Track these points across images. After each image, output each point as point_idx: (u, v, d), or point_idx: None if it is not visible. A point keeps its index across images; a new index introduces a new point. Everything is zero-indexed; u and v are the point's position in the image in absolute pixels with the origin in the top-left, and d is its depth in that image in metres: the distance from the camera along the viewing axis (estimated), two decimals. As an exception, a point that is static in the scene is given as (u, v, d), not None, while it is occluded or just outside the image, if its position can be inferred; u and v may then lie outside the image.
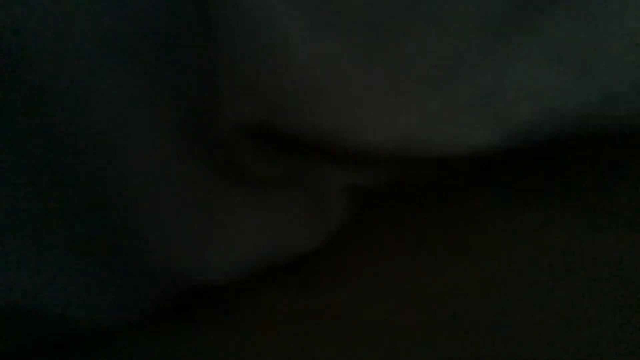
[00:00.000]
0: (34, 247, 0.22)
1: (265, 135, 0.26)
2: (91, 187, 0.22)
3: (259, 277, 0.26)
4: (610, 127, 0.30)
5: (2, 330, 0.22)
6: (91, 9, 0.21)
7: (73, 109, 0.21)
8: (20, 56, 0.20)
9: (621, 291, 0.26)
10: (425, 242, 0.30)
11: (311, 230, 0.27)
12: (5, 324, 0.22)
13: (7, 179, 0.21)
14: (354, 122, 0.26)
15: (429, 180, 0.31)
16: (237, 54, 0.23)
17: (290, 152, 0.27)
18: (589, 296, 0.26)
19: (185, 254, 0.24)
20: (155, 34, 0.22)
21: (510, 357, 0.24)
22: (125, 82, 0.22)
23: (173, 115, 0.24)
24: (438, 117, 0.28)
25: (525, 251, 0.29)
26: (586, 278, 0.27)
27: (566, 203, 0.31)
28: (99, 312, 0.23)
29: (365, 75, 0.26)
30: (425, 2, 0.28)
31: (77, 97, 0.21)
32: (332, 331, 0.25)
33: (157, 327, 0.25)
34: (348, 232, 0.29)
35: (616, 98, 0.29)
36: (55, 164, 0.21)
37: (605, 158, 0.34)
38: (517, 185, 0.32)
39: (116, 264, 0.23)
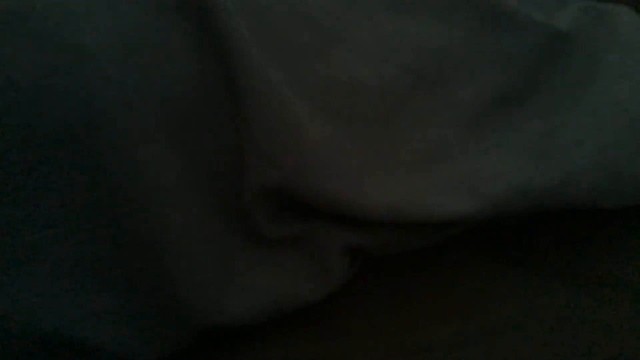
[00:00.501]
0: (81, 284, 0.25)
1: (278, 202, 0.30)
2: (134, 237, 0.26)
3: (269, 324, 0.30)
4: (574, 202, 0.35)
5: (44, 354, 0.24)
6: (147, 88, 0.25)
7: (127, 171, 0.25)
8: (95, 120, 0.24)
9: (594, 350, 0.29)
10: (412, 303, 0.33)
11: (314, 284, 0.31)
12: (48, 349, 0.24)
13: (69, 225, 0.25)
14: (351, 191, 0.31)
15: (419, 245, 0.35)
16: (258, 131, 0.28)
17: (298, 216, 0.31)
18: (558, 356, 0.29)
19: (206, 298, 0.28)
20: (193, 114, 0.27)
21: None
22: (167, 152, 0.26)
23: (203, 183, 0.28)
24: (422, 191, 0.33)
25: (500, 313, 0.32)
26: (557, 338, 0.30)
27: (541, 269, 0.35)
28: (130, 347, 0.26)
29: (361, 154, 0.32)
30: (408, 102, 0.35)
31: (131, 160, 0.25)
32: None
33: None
34: (352, 291, 0.33)
35: (575, 178, 0.34)
36: (109, 216, 0.25)
37: (581, 229, 0.38)
38: (497, 254, 0.36)
39: (147, 304, 0.26)
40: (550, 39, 0.39)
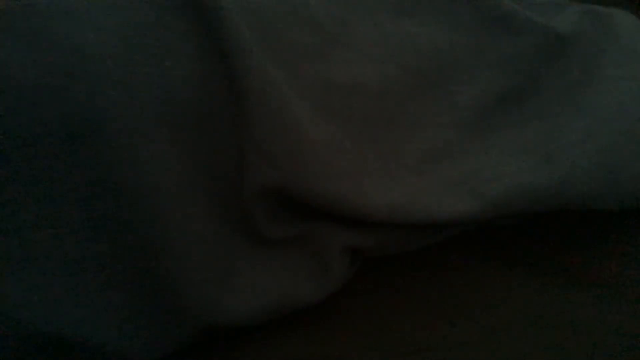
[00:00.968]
0: (82, 284, 0.25)
1: (278, 202, 0.30)
2: (135, 237, 0.26)
3: (270, 325, 0.30)
4: (573, 203, 0.35)
5: (44, 354, 0.24)
6: (148, 87, 0.26)
7: (128, 170, 0.25)
8: (96, 119, 0.24)
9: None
10: (419, 302, 0.33)
11: (315, 284, 0.31)
12: (48, 349, 0.24)
13: (69, 225, 0.25)
14: (352, 191, 0.31)
15: (419, 245, 0.35)
16: (259, 131, 0.28)
17: (298, 216, 0.31)
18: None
19: (206, 297, 0.28)
20: (194, 114, 0.27)
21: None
22: (167, 152, 0.26)
23: (204, 182, 0.28)
24: (422, 191, 0.33)
25: (500, 313, 0.32)
26: (557, 338, 0.30)
27: (541, 269, 0.35)
28: (131, 346, 0.26)
29: (361, 154, 0.32)
30: (408, 102, 0.35)
31: (132, 159, 0.25)
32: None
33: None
34: (352, 291, 0.33)
35: (574, 180, 0.35)
36: (109, 216, 0.25)
37: (585, 231, 0.38)
38: (497, 254, 0.36)
39: (147, 304, 0.26)
40: (550, 41, 0.39)
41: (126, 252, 0.26)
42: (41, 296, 0.24)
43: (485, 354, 0.29)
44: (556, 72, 0.39)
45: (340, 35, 0.34)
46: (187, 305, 0.27)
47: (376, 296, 0.33)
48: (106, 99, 0.25)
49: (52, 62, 0.24)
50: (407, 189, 0.33)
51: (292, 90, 0.30)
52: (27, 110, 0.23)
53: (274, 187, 0.29)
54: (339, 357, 0.29)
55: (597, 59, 0.40)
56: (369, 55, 0.34)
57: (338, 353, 0.29)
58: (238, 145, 0.28)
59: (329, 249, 0.31)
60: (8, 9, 0.24)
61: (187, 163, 0.27)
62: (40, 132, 0.24)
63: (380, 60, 0.34)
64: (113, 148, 0.25)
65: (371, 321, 0.31)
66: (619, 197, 0.36)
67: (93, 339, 0.25)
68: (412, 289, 0.34)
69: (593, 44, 0.41)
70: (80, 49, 0.24)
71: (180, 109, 0.27)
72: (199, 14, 0.27)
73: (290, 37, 0.31)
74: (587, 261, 0.36)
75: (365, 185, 0.31)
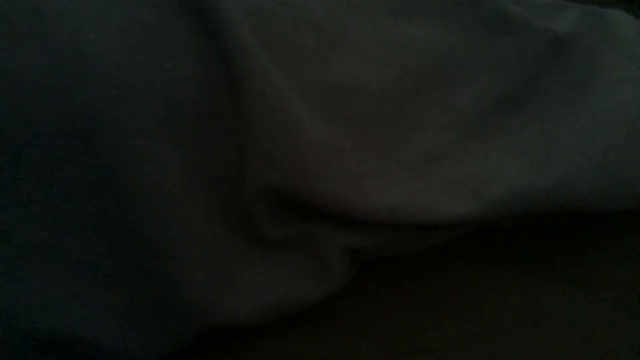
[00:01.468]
0: (82, 284, 0.25)
1: (279, 202, 0.30)
2: (135, 237, 0.26)
3: (270, 325, 0.30)
4: (572, 205, 0.35)
5: (45, 354, 0.25)
6: (149, 88, 0.26)
7: (129, 170, 0.25)
8: (97, 120, 0.24)
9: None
10: (419, 302, 0.33)
11: (315, 284, 0.31)
12: (48, 349, 0.25)
13: (70, 225, 0.25)
14: (351, 191, 0.31)
15: (419, 246, 0.35)
16: (259, 132, 0.28)
17: (299, 217, 0.32)
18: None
19: (206, 298, 0.28)
20: (195, 114, 0.27)
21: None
22: (168, 152, 0.27)
23: (204, 182, 0.28)
24: (422, 192, 0.33)
25: (500, 313, 0.32)
26: (557, 338, 0.30)
27: (541, 270, 0.35)
28: (130, 346, 0.26)
29: (361, 155, 0.32)
30: (408, 104, 0.35)
31: (133, 159, 0.25)
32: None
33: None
34: (352, 291, 0.33)
35: (573, 181, 0.35)
36: (110, 216, 0.25)
37: (585, 231, 0.38)
38: (497, 254, 0.37)
39: (148, 304, 0.26)
40: (549, 42, 0.39)
41: (126, 252, 0.26)
42: (41, 296, 0.24)
43: (485, 354, 0.30)
44: (556, 74, 0.39)
45: (340, 37, 0.34)
46: (187, 306, 0.27)
47: (376, 296, 0.33)
48: (107, 99, 0.25)
49: (53, 62, 0.24)
50: (407, 189, 0.33)
51: (292, 91, 0.30)
52: (28, 111, 0.23)
53: (274, 188, 0.29)
54: (339, 357, 0.29)
55: (596, 60, 0.40)
56: (369, 56, 0.34)
57: (338, 353, 0.29)
58: (238, 145, 0.28)
59: (329, 250, 0.32)
60: (11, 9, 0.24)
61: (188, 163, 0.27)
62: (41, 132, 0.24)
63: (380, 62, 0.34)
64: (114, 148, 0.25)
65: (371, 321, 0.32)
66: (619, 198, 0.36)
67: (93, 339, 0.25)
68: (412, 289, 0.34)
69: (593, 45, 0.41)
70: (81, 49, 0.25)
71: (181, 110, 0.27)
72: (199, 15, 0.27)
73: (290, 38, 0.31)
74: (587, 262, 0.36)
75: (365, 186, 0.31)
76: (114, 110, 0.25)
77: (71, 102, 0.24)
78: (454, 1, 0.39)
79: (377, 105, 0.34)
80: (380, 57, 0.35)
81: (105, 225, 0.25)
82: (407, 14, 0.38)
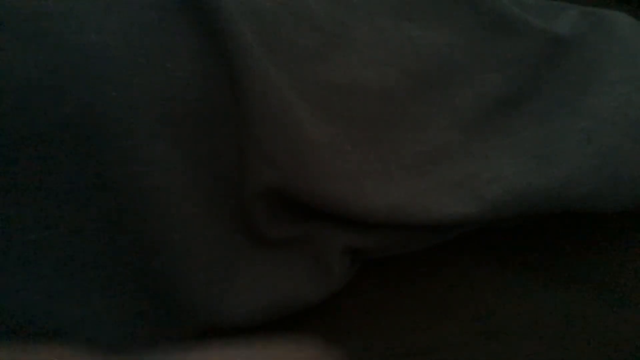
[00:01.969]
0: (82, 284, 0.25)
1: (279, 202, 0.30)
2: (136, 237, 0.26)
3: (270, 325, 0.30)
4: (573, 205, 0.35)
5: None
6: (149, 88, 0.26)
7: (129, 170, 0.25)
8: (98, 120, 0.24)
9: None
10: (418, 302, 0.33)
11: (315, 284, 0.31)
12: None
13: (70, 225, 0.25)
14: (351, 192, 0.31)
15: (419, 247, 0.35)
16: (259, 132, 0.28)
17: (299, 217, 0.32)
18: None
19: (207, 298, 0.28)
20: (196, 115, 0.27)
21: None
22: (169, 152, 0.27)
23: (205, 183, 0.28)
24: (422, 193, 0.33)
25: (500, 314, 0.32)
26: (557, 339, 0.30)
27: (541, 270, 0.35)
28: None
29: (361, 155, 0.32)
30: (408, 104, 0.35)
31: (134, 160, 0.25)
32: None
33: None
34: (352, 291, 0.33)
35: (573, 182, 0.35)
36: (111, 216, 0.25)
37: (585, 231, 0.38)
38: (497, 255, 0.36)
39: (148, 304, 0.26)
40: (549, 43, 0.39)
41: (127, 252, 0.26)
42: (41, 296, 0.24)
43: (485, 354, 0.30)
44: (556, 75, 0.39)
45: (340, 37, 0.34)
46: (188, 306, 0.27)
47: (376, 296, 0.33)
48: (107, 99, 0.25)
49: (54, 62, 0.24)
50: (407, 190, 0.33)
51: (292, 91, 0.30)
52: (29, 111, 0.23)
53: (275, 188, 0.29)
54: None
55: (596, 61, 0.40)
56: (370, 57, 0.34)
57: (338, 353, 0.29)
58: (239, 145, 0.28)
59: (329, 250, 0.32)
60: (12, 9, 0.24)
61: (188, 163, 0.28)
62: (42, 132, 0.24)
63: (380, 63, 0.35)
64: (114, 148, 0.25)
65: (371, 321, 0.32)
66: (619, 199, 0.36)
67: (92, 339, 0.25)
68: (412, 289, 0.34)
69: (592, 46, 0.41)
70: (82, 50, 0.25)
71: (181, 110, 0.27)
72: (200, 15, 0.27)
73: (290, 39, 0.31)
74: (587, 262, 0.36)
75: (365, 186, 0.32)
76: (114, 110, 0.25)
77: (72, 102, 0.24)
78: (454, 2, 0.39)
79: (377, 106, 0.34)
80: (380, 57, 0.35)
81: (106, 225, 0.25)
82: (407, 14, 0.38)
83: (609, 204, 0.36)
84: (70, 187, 0.25)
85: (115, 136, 0.25)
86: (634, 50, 0.41)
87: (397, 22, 0.37)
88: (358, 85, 0.33)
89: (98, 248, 0.25)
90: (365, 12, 0.36)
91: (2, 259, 0.23)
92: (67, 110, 0.24)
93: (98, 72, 0.25)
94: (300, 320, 0.30)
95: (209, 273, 0.28)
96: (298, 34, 0.32)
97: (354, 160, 0.32)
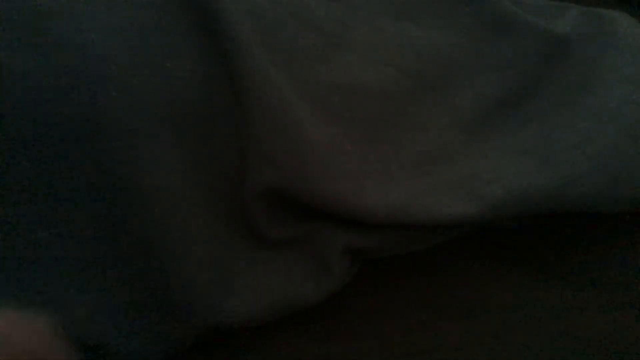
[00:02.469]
0: (82, 284, 0.25)
1: (279, 202, 0.30)
2: (136, 237, 0.26)
3: (270, 325, 0.30)
4: (572, 206, 0.35)
5: None
6: (149, 88, 0.26)
7: (130, 171, 0.25)
8: (98, 120, 0.24)
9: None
10: (419, 302, 0.33)
11: (315, 284, 0.31)
12: None
13: (71, 225, 0.25)
14: (351, 192, 0.31)
15: (419, 247, 0.35)
16: (260, 132, 0.28)
17: (299, 217, 0.32)
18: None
19: (207, 298, 0.28)
20: (196, 115, 0.27)
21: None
22: (169, 153, 0.27)
23: (205, 183, 0.28)
24: (422, 193, 0.33)
25: (500, 313, 0.32)
26: (557, 338, 0.30)
27: (541, 270, 0.35)
28: (132, 346, 0.26)
29: (361, 155, 0.32)
30: (408, 104, 0.35)
31: (134, 160, 0.25)
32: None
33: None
34: (352, 291, 0.33)
35: (573, 182, 0.35)
36: (111, 216, 0.25)
37: (585, 232, 0.38)
38: (497, 254, 0.36)
39: (148, 303, 0.26)
40: (549, 44, 0.40)
41: (127, 252, 0.26)
42: (41, 296, 0.24)
43: (485, 354, 0.29)
44: (556, 75, 0.39)
45: (340, 38, 0.34)
46: (188, 306, 0.27)
47: (376, 296, 0.33)
48: (108, 100, 0.25)
49: (54, 63, 0.24)
50: (407, 190, 0.33)
51: (292, 91, 0.30)
52: (29, 111, 0.23)
53: (275, 188, 0.29)
54: (338, 357, 0.29)
55: (596, 61, 0.41)
56: (370, 57, 0.34)
57: (338, 353, 0.29)
58: (239, 146, 0.28)
59: (329, 250, 0.32)
60: (12, 9, 0.24)
61: (188, 164, 0.28)
62: (43, 132, 0.24)
63: (380, 63, 0.35)
64: (115, 149, 0.25)
65: (371, 321, 0.31)
66: (619, 199, 0.36)
67: (92, 339, 0.25)
68: (412, 289, 0.34)
69: (592, 47, 0.41)
70: (82, 50, 0.25)
71: (182, 110, 0.27)
72: (200, 15, 0.27)
73: (290, 39, 0.31)
74: (587, 262, 0.36)
75: (365, 186, 0.32)
76: (114, 110, 0.25)
77: (72, 102, 0.24)
78: (455, 2, 0.39)
79: (377, 106, 0.34)
80: (380, 57, 0.35)
81: (106, 225, 0.25)
82: (407, 14, 0.38)
83: (609, 204, 0.36)
84: (71, 187, 0.24)
85: (115, 136, 0.25)
86: (633, 50, 0.41)
87: (397, 22, 0.37)
88: (358, 85, 0.33)
89: (98, 248, 0.25)
90: (365, 12, 0.36)
91: (2, 259, 0.23)
92: (67, 110, 0.24)
93: (98, 72, 0.25)
94: (300, 320, 0.30)
95: (209, 273, 0.28)
96: (298, 34, 0.32)
97: (354, 160, 0.32)
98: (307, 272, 0.31)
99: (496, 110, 0.38)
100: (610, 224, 0.38)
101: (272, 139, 0.28)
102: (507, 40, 0.39)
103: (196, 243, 0.28)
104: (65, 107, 0.24)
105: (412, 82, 0.36)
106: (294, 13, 0.32)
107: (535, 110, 0.39)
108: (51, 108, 0.24)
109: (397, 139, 0.34)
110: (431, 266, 0.35)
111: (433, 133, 0.36)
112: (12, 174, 0.23)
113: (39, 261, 0.24)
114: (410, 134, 0.35)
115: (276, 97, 0.28)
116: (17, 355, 0.23)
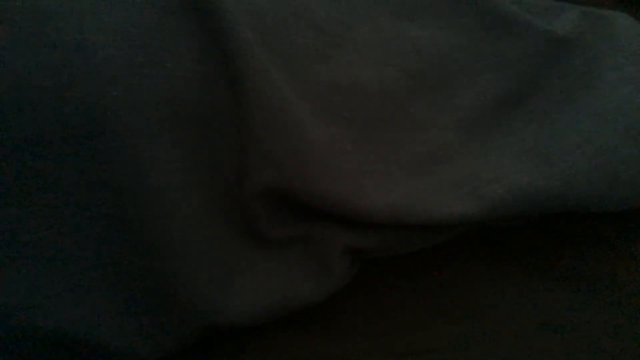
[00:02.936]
0: (83, 284, 0.25)
1: (279, 202, 0.30)
2: (136, 237, 0.26)
3: (270, 325, 0.30)
4: (572, 205, 0.35)
5: (46, 353, 0.25)
6: (150, 88, 0.26)
7: (130, 170, 0.25)
8: (98, 120, 0.24)
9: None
10: (418, 302, 0.33)
11: (315, 284, 0.31)
12: (49, 349, 0.25)
13: (71, 225, 0.25)
14: (351, 191, 0.31)
15: (419, 246, 0.35)
16: (260, 132, 0.28)
17: (299, 217, 0.32)
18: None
19: (207, 297, 0.28)
20: (197, 114, 0.27)
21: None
22: (170, 152, 0.27)
23: (206, 183, 0.28)
24: (422, 193, 0.33)
25: (501, 313, 0.32)
26: (558, 338, 0.30)
27: (542, 270, 0.35)
28: (131, 346, 0.26)
29: (361, 155, 0.32)
30: (408, 104, 0.35)
31: (135, 159, 0.25)
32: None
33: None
34: (352, 291, 0.33)
35: (574, 182, 0.35)
36: (111, 216, 0.25)
37: (584, 231, 0.38)
38: (497, 254, 0.36)
39: (149, 303, 0.26)
40: (549, 43, 0.39)
41: (127, 252, 0.26)
42: (42, 296, 0.24)
43: (485, 354, 0.30)
44: (556, 75, 0.39)
45: (341, 38, 0.34)
46: (189, 306, 0.27)
47: (376, 296, 0.33)
48: (108, 99, 0.25)
49: (54, 62, 0.24)
50: (408, 190, 0.33)
51: (292, 91, 0.30)
52: (29, 111, 0.23)
53: (275, 188, 0.29)
54: (339, 357, 0.29)
55: (596, 61, 0.40)
56: (370, 57, 0.34)
57: (338, 353, 0.29)
58: (239, 145, 0.28)
59: (329, 250, 0.32)
60: (13, 9, 0.24)
61: (189, 163, 0.28)
62: (43, 132, 0.24)
63: (380, 63, 0.35)
64: (115, 148, 0.25)
65: (372, 321, 0.32)
66: (619, 199, 0.36)
67: (94, 339, 0.25)
68: (412, 289, 0.34)
69: (592, 47, 0.41)
70: (83, 49, 0.25)
71: (182, 110, 0.27)
72: (200, 15, 0.27)
73: (291, 39, 0.31)
74: (587, 262, 0.36)
75: (365, 186, 0.32)
76: (114, 110, 0.25)
77: (72, 102, 0.24)
78: (455, 2, 0.39)
79: (377, 106, 0.34)
80: (380, 57, 0.35)
81: (106, 225, 0.25)
82: (407, 14, 0.38)
83: (609, 203, 0.36)
84: (71, 187, 0.25)
85: (115, 136, 0.25)
86: (633, 51, 0.41)
87: (397, 21, 0.37)
88: (357, 84, 0.33)
89: (99, 248, 0.25)
90: (366, 12, 0.36)
91: (3, 259, 0.23)
92: (67, 110, 0.24)
93: (98, 72, 0.25)
94: (300, 320, 0.31)
95: (209, 273, 0.28)
96: (298, 34, 0.32)
97: (354, 160, 0.32)
98: (307, 272, 0.31)
99: (496, 110, 0.38)
100: (610, 224, 0.38)
101: (272, 139, 0.28)
102: (507, 40, 0.39)
103: (197, 243, 0.28)
104: (66, 107, 0.24)
105: (412, 82, 0.36)
106: (294, 13, 0.32)
107: (535, 110, 0.39)
108: (51, 108, 0.24)
109: (398, 139, 0.34)
110: (431, 266, 0.35)
111: (433, 133, 0.36)
112: (12, 173, 0.23)
113: (38, 261, 0.24)
114: (410, 134, 0.35)
115: (276, 97, 0.28)
116: None
